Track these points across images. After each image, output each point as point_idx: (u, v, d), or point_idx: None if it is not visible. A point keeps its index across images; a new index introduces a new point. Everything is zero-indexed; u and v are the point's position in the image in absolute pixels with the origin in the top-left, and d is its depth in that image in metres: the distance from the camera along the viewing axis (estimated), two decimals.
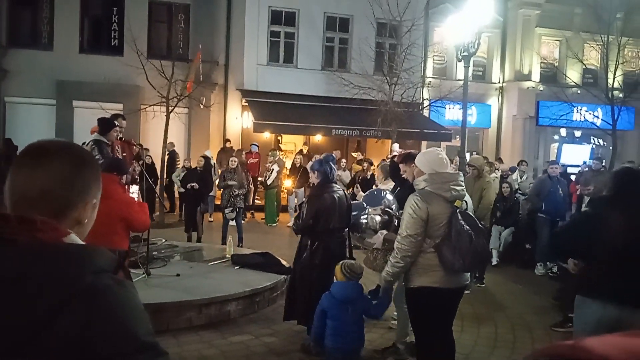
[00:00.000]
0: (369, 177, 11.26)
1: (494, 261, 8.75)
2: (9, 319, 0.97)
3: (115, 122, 6.47)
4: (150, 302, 5.22)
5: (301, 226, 4.99)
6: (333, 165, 5.02)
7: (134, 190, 5.30)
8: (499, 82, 19.14)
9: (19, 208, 1.10)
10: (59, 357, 0.98)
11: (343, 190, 5.17)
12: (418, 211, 3.44)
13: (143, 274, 6.17)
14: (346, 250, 4.92)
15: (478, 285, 7.37)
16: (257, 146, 14.30)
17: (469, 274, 3.76)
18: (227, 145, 14.76)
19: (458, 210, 3.52)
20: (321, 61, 16.87)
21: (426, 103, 16.91)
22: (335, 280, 3.89)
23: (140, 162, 7.42)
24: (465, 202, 3.74)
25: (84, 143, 6.14)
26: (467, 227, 3.48)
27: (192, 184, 9.68)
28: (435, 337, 3.69)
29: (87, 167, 1.19)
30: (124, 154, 6.41)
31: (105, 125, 6.23)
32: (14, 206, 1.11)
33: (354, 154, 14.67)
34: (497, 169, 11.28)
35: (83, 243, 1.14)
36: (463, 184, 3.66)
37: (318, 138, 16.52)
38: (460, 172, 3.89)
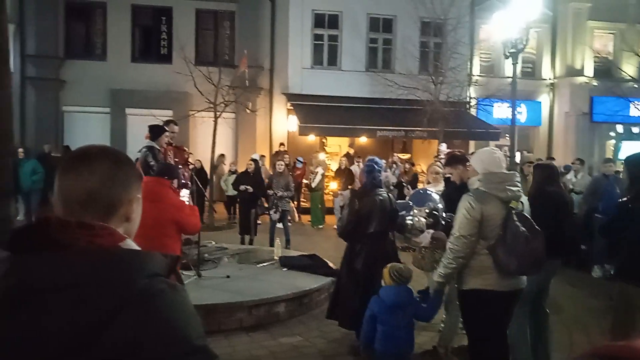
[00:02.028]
0: (411, 178, 11.17)
1: None
2: (66, 323, 1.00)
3: (166, 127, 6.67)
4: (202, 303, 5.36)
5: (341, 230, 5.05)
6: (379, 170, 5.00)
7: (185, 194, 5.45)
8: (550, 79, 18.55)
9: (70, 211, 1.14)
10: (129, 352, 0.99)
11: (387, 193, 5.14)
12: (472, 211, 3.37)
13: (194, 275, 6.33)
14: (391, 254, 4.85)
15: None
16: (302, 162, 14.25)
17: (525, 277, 3.64)
18: (281, 148, 14.94)
19: (514, 211, 3.43)
20: (365, 62, 16.84)
21: (473, 102, 16.60)
22: (383, 284, 3.86)
23: (191, 167, 7.62)
24: (522, 202, 3.63)
25: (139, 150, 6.36)
26: (523, 229, 3.37)
27: (247, 187, 9.79)
28: (489, 341, 3.59)
29: (126, 165, 1.23)
30: (176, 159, 6.59)
31: (156, 131, 6.43)
32: (65, 210, 1.15)
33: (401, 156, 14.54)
34: None
35: (138, 248, 1.17)
36: (519, 184, 3.58)
37: (363, 140, 16.48)
38: (516, 172, 3.78)
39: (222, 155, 14.19)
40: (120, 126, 15.81)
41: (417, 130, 14.83)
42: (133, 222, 1.24)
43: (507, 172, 3.62)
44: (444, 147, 10.67)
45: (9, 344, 1.02)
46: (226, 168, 13.74)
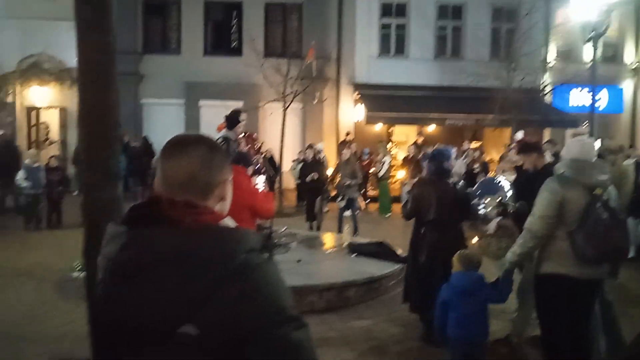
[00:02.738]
0: (481, 167, 10.93)
1: (631, 254, 8.07)
2: (176, 291, 1.12)
3: (240, 117, 6.91)
4: None
5: (404, 214, 5.18)
6: (446, 159, 4.97)
7: (260, 181, 5.66)
8: (633, 63, 17.45)
9: (172, 192, 1.26)
10: (218, 326, 1.12)
11: (454, 182, 5.13)
12: (554, 194, 3.35)
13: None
14: (458, 242, 4.78)
15: (611, 279, 6.86)
16: (368, 153, 14.32)
17: (605, 266, 3.53)
18: (347, 137, 15.06)
19: (597, 199, 3.36)
20: (433, 50, 16.57)
21: (548, 88, 15.93)
22: (453, 270, 3.87)
23: (263, 155, 7.87)
24: (609, 191, 3.55)
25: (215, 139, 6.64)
26: (605, 217, 3.30)
27: (312, 175, 9.97)
28: (563, 333, 3.50)
29: (219, 150, 1.35)
30: (248, 147, 6.83)
31: (232, 121, 6.69)
32: (168, 191, 1.27)
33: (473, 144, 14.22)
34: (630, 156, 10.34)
35: (235, 226, 1.29)
36: (607, 172, 3.51)
37: (431, 128, 16.26)
38: (604, 161, 3.71)
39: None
40: (194, 117, 16.46)
41: (488, 118, 14.45)
42: (226, 201, 1.37)
43: (594, 159, 3.57)
44: (520, 134, 10.34)
45: (127, 307, 1.16)
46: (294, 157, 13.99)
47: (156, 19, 17.43)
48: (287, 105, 13.09)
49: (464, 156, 12.59)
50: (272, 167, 11.65)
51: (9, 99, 16.45)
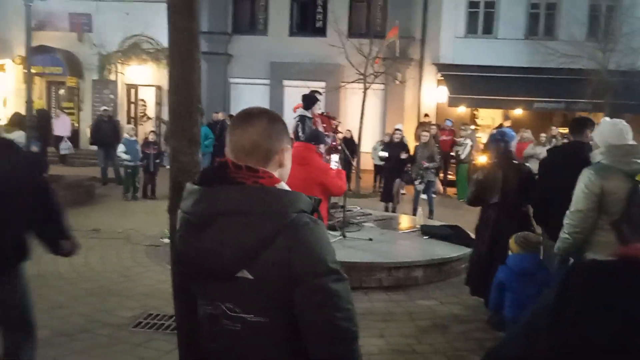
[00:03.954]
0: None
1: None
2: (238, 240, 1.36)
3: (316, 97, 7.17)
4: (345, 260, 5.80)
5: (467, 198, 5.22)
6: (508, 141, 4.95)
7: (335, 159, 5.87)
8: None
9: (238, 158, 1.48)
10: (271, 271, 1.36)
11: (523, 165, 5.08)
12: (590, 186, 3.23)
13: (340, 236, 6.81)
14: (522, 225, 4.71)
15: None
16: (452, 122, 14.16)
17: None
18: (425, 119, 14.93)
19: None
20: (524, 30, 15.86)
21: None
22: (510, 252, 3.88)
23: (339, 135, 8.08)
24: None
25: (294, 117, 6.95)
26: None
27: (401, 154, 10.03)
28: None
29: (279, 122, 1.56)
30: (324, 125, 7.08)
31: (309, 100, 6.96)
32: (234, 157, 1.50)
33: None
34: None
35: (289, 189, 1.50)
36: None
37: (518, 112, 15.66)
38: None
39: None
40: (278, 96, 16.97)
41: (580, 102, 13.70)
42: (285, 167, 1.57)
43: (632, 143, 3.37)
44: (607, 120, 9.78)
45: (198, 251, 1.43)
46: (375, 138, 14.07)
47: (246, 0, 18.02)
48: (368, 86, 13.17)
49: (551, 142, 12.09)
50: (349, 147, 11.83)
51: (112, 77, 17.83)
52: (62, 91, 18.57)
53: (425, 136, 10.11)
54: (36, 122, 12.85)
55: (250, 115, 1.53)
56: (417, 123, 15.70)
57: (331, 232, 6.64)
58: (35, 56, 13.48)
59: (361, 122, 13.31)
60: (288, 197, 1.43)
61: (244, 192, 1.41)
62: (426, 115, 15.38)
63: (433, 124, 13.86)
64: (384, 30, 15.78)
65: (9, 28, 16.09)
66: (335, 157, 5.84)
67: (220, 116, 13.93)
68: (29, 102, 11.33)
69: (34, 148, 9.75)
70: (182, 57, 2.74)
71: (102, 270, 6.24)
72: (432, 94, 16.60)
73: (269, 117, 1.54)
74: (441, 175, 12.85)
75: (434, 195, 10.20)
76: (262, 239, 1.35)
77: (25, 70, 11.28)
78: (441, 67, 15.99)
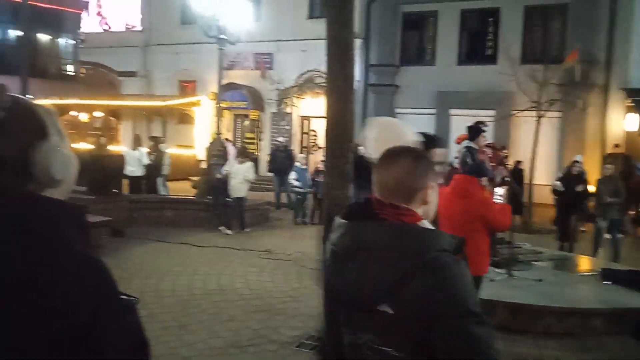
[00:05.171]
0: None
1: None
2: (377, 275, 1.40)
3: (482, 128, 6.95)
4: (509, 301, 5.50)
5: None
6: None
7: (499, 193, 5.62)
8: None
9: (383, 195, 1.54)
10: (410, 309, 1.37)
11: None
12: None
13: (505, 274, 6.46)
14: None
15: None
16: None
17: None
18: (615, 150, 13.48)
19: None
20: None
21: None
22: None
23: (507, 167, 7.71)
24: None
25: (459, 149, 6.85)
26: None
27: (579, 188, 9.27)
28: None
29: (423, 160, 1.59)
30: (490, 157, 6.82)
31: (474, 132, 6.78)
32: (380, 194, 1.56)
33: None
34: None
35: (432, 227, 1.52)
36: None
37: None
38: None
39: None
40: (444, 126, 16.75)
41: None
42: (430, 204, 1.58)
43: None
44: None
45: (342, 283, 1.51)
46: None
47: (414, 31, 18.28)
48: (542, 114, 12.36)
49: None
50: (518, 179, 11.16)
51: (288, 110, 19.36)
52: (246, 123, 20.67)
53: (609, 169, 9.14)
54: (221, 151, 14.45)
55: (394, 154, 1.59)
56: (600, 154, 14.25)
57: (495, 269, 6.34)
58: (225, 92, 15.25)
59: (534, 153, 12.51)
60: (428, 235, 1.45)
61: (385, 228, 1.47)
62: (616, 145, 13.87)
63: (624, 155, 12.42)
64: (561, 55, 14.73)
65: (206, 69, 18.48)
66: (499, 191, 5.59)
67: None
68: (218, 133, 12.83)
69: (219, 175, 11.00)
70: (337, 98, 2.94)
71: (271, 289, 6.74)
72: (619, 122, 14.94)
73: (413, 156, 1.58)
74: (632, 212, 11.40)
75: (620, 235, 9.10)
76: (401, 276, 1.38)
77: (217, 105, 12.85)
78: (631, 93, 14.34)
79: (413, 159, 1.57)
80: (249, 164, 11.01)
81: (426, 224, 1.54)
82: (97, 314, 1.03)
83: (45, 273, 1.00)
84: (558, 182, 9.75)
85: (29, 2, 12.38)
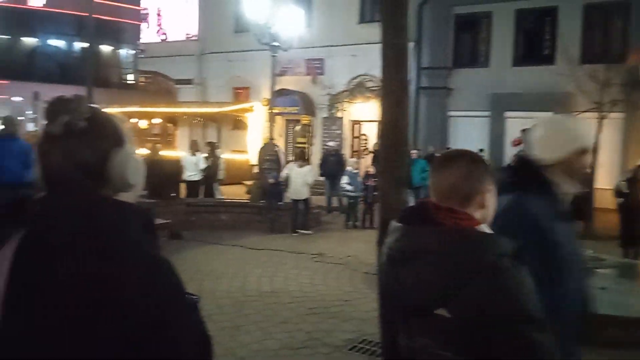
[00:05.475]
0: None
1: None
2: (434, 279, 1.39)
3: None
4: None
5: None
6: None
7: None
8: None
9: (440, 199, 1.52)
10: (468, 313, 1.33)
11: None
12: None
13: None
14: None
15: None
16: None
17: None
18: None
19: None
20: None
21: None
22: None
23: None
24: None
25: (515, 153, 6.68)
26: None
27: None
28: None
29: (480, 163, 1.56)
30: None
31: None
32: (436, 198, 1.54)
33: None
34: None
35: (490, 232, 1.49)
36: None
37: None
38: None
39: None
40: (499, 129, 16.36)
41: None
42: (487, 209, 1.55)
43: None
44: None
45: (398, 286, 1.49)
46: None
47: (467, 33, 17.95)
48: (604, 115, 11.85)
49: None
50: (587, 184, 10.71)
51: (339, 114, 19.44)
52: (297, 128, 20.90)
53: None
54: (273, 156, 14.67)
55: (450, 158, 1.58)
56: None
57: None
58: (277, 98, 15.49)
59: (595, 155, 12.00)
60: (486, 240, 1.43)
61: (441, 233, 1.45)
62: None
63: None
64: (623, 55, 14.07)
65: (258, 76, 18.85)
66: None
67: (430, 149, 14.07)
68: (271, 138, 13.05)
69: (272, 180, 11.19)
70: (391, 103, 2.95)
71: (324, 292, 6.78)
72: None
73: (469, 159, 1.56)
74: None
75: None
76: (459, 280, 1.36)
77: (270, 111, 13.08)
78: None
79: (468, 163, 1.55)
80: (308, 167, 11.22)
81: (484, 228, 1.51)
82: (165, 312, 1.07)
83: (116, 272, 1.06)
84: (623, 182, 9.32)
85: (93, 16, 13.05)
